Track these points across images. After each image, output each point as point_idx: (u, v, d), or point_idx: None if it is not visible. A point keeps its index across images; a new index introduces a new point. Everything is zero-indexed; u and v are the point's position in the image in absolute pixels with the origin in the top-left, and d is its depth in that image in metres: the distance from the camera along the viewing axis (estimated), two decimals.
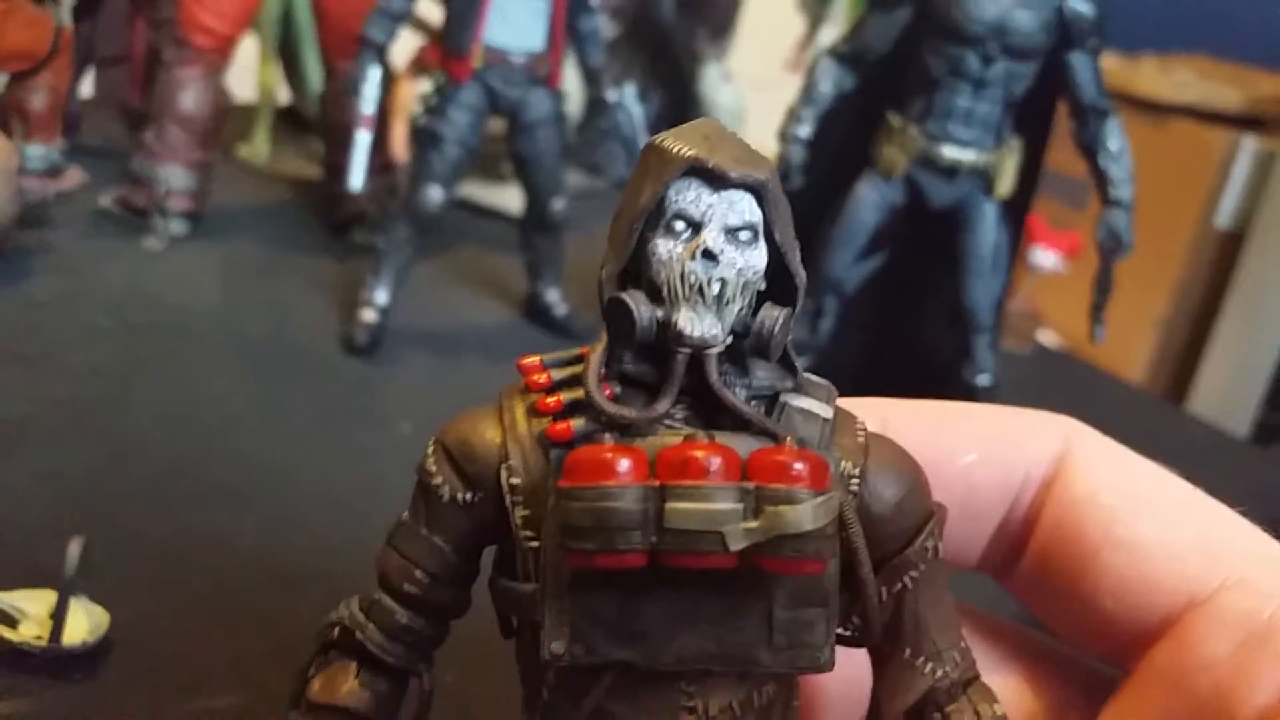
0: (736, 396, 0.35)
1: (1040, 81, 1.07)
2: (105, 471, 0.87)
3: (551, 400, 0.36)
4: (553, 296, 1.36)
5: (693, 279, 0.34)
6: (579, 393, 0.36)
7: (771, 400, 0.37)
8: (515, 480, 0.36)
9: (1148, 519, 0.38)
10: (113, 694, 0.64)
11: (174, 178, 1.36)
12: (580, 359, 0.37)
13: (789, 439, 0.34)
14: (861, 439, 0.37)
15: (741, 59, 2.12)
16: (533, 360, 0.38)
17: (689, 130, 0.36)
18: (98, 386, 1.00)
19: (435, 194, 1.21)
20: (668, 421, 0.35)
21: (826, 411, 0.37)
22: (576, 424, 0.35)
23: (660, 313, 0.35)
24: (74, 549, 0.66)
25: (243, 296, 1.29)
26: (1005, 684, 0.40)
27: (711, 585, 0.34)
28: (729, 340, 0.35)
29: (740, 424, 0.35)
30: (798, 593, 0.35)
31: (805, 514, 0.32)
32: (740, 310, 0.35)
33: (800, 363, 0.37)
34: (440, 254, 1.49)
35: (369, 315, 1.21)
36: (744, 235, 0.35)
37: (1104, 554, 0.38)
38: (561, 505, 0.33)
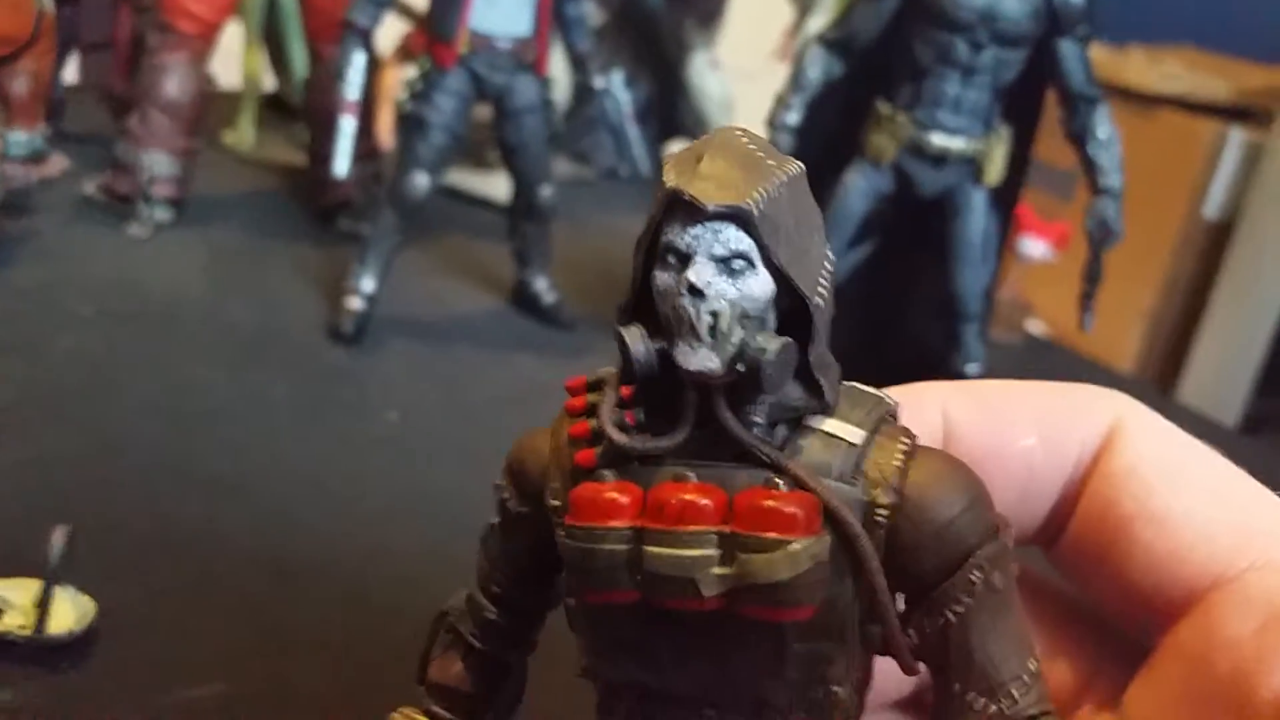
0: (743, 427, 0.34)
1: (1029, 70, 1.07)
2: (90, 460, 0.86)
3: (581, 428, 0.36)
4: (541, 285, 1.35)
5: (682, 314, 0.33)
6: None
7: (796, 423, 0.35)
8: (555, 502, 0.37)
9: (1183, 494, 0.38)
10: (98, 683, 0.64)
11: (158, 164, 1.35)
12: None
13: (785, 476, 0.33)
14: (899, 462, 0.35)
15: (729, 47, 2.12)
16: (579, 380, 0.37)
17: (691, 149, 0.34)
18: (81, 374, 0.99)
19: (421, 181, 1.20)
20: (693, 448, 0.35)
21: (855, 435, 0.35)
22: (599, 452, 0.35)
23: (665, 344, 0.34)
24: (59, 538, 0.66)
25: (227, 284, 1.28)
26: (1038, 645, 0.40)
27: (716, 618, 0.34)
28: (740, 369, 0.34)
29: (748, 455, 0.34)
30: (810, 627, 0.34)
31: (778, 563, 0.32)
32: (742, 338, 0.33)
33: (828, 383, 0.35)
34: (427, 241, 1.49)
35: (355, 303, 1.20)
36: (737, 264, 0.33)
37: (1137, 526, 0.38)
38: (562, 541, 0.34)
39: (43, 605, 0.65)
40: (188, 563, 0.76)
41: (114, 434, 0.91)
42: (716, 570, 0.32)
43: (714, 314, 0.33)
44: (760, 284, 0.34)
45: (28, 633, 0.64)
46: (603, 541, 0.33)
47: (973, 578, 0.35)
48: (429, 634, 0.44)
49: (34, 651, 0.64)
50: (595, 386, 0.37)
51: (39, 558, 0.66)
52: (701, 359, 0.33)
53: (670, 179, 0.33)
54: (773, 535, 0.32)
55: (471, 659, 0.43)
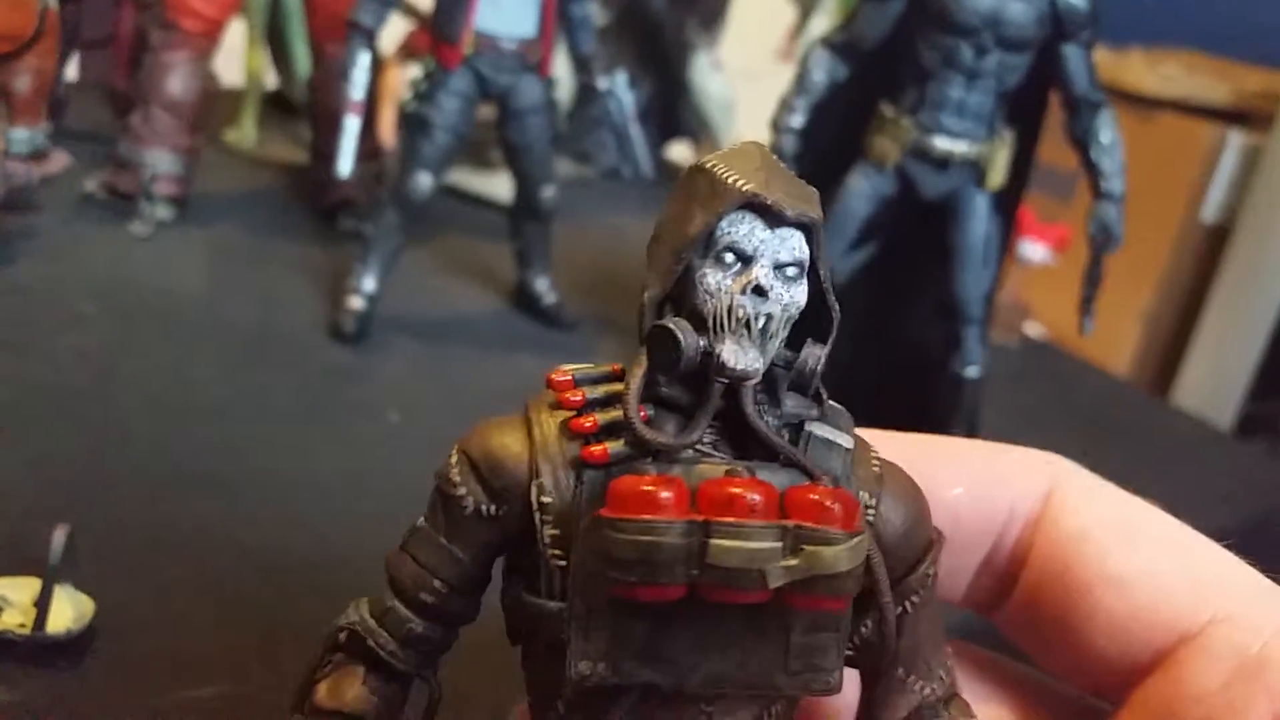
0: (768, 426, 0.36)
1: (1032, 73, 1.07)
2: (90, 458, 0.86)
3: (587, 422, 0.36)
4: (542, 285, 1.35)
5: (740, 313, 0.35)
6: (613, 414, 0.36)
7: (797, 428, 0.37)
8: (546, 499, 0.36)
9: (1137, 555, 0.39)
10: (97, 683, 0.64)
11: (160, 162, 1.35)
12: (612, 377, 0.38)
13: (823, 476, 0.35)
14: (876, 468, 0.38)
15: (732, 48, 2.12)
16: (564, 377, 0.37)
17: (740, 158, 0.36)
18: (82, 372, 0.99)
19: (424, 181, 1.20)
20: (699, 447, 0.36)
21: (847, 441, 0.38)
22: (613, 447, 0.36)
23: (705, 341, 0.35)
24: (59, 536, 0.65)
25: (229, 282, 1.28)
26: (995, 717, 0.41)
27: (739, 613, 0.35)
28: (779, 368, 0.36)
29: (770, 454, 0.36)
30: (816, 620, 0.36)
31: (841, 555, 0.33)
32: (779, 343, 0.36)
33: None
34: (429, 242, 1.49)
35: (356, 302, 1.20)
36: (791, 271, 0.35)
37: (1095, 591, 0.39)
38: (604, 535, 0.33)
39: (42, 604, 0.64)
40: (188, 562, 0.76)
41: (115, 432, 0.91)
42: (782, 563, 0.33)
43: (768, 316, 0.35)
44: (804, 293, 0.36)
45: (26, 631, 0.64)
46: (663, 534, 0.33)
47: (928, 573, 0.38)
48: (317, 656, 0.41)
49: (33, 650, 0.64)
50: (587, 382, 0.37)
51: (39, 556, 0.65)
52: (751, 359, 0.35)
53: (740, 183, 0.35)
54: (837, 529, 0.33)
55: (376, 679, 0.40)
